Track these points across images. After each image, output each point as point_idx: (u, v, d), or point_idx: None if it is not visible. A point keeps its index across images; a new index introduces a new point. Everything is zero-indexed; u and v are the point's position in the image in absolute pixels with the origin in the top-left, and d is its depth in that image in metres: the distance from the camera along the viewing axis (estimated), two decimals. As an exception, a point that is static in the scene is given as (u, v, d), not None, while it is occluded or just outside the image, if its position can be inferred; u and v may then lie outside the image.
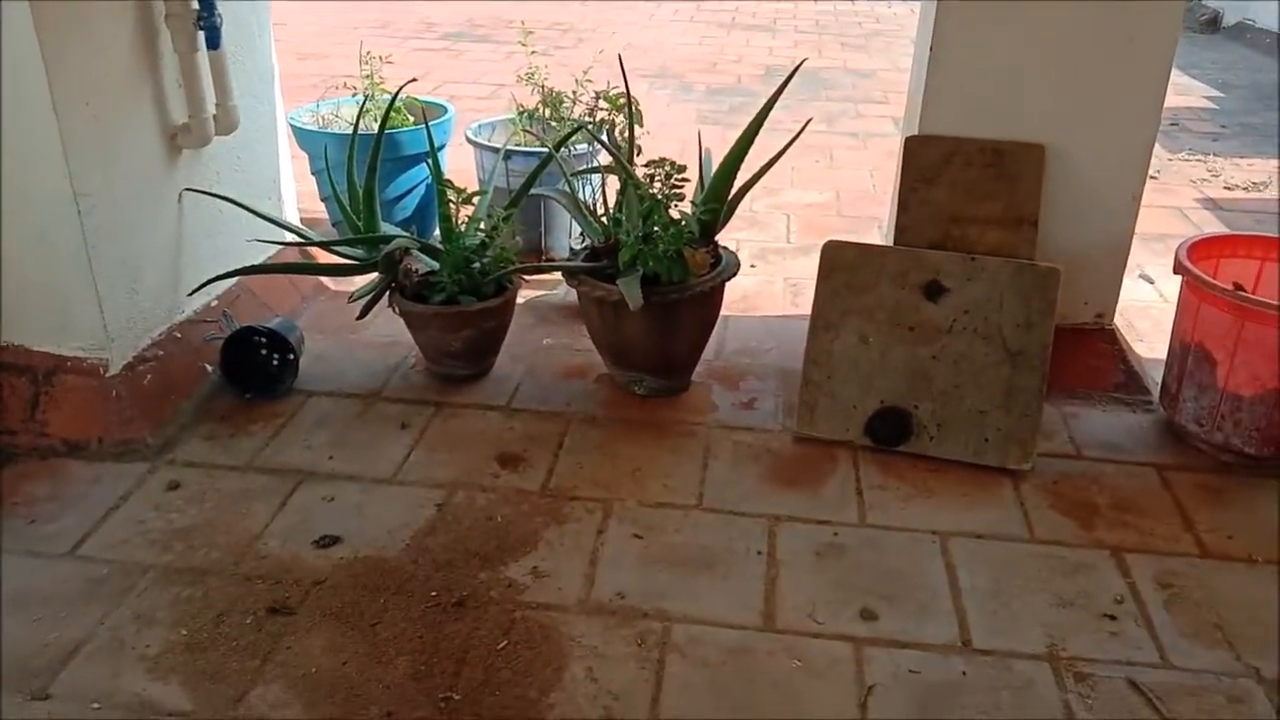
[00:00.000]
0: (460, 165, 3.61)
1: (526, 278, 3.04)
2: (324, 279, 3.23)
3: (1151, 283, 3.51)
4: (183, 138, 2.60)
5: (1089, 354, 2.77)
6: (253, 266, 2.81)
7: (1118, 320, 2.87)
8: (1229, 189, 4.61)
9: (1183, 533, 2.20)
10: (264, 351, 2.69)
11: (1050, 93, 2.51)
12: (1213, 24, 9.00)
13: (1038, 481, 2.36)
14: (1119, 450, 2.50)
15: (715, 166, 2.70)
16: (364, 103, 3.30)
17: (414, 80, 3.30)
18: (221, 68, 2.62)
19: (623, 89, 2.85)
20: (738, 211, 2.75)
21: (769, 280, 3.48)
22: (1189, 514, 2.26)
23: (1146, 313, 3.26)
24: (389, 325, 2.85)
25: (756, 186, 2.69)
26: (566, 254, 3.39)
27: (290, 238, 2.97)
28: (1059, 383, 2.58)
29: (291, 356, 2.67)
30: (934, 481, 2.35)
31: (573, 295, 3.18)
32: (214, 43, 2.56)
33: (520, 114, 3.44)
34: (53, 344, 2.46)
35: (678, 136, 4.95)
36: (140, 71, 2.46)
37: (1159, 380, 2.67)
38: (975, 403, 2.41)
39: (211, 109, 2.63)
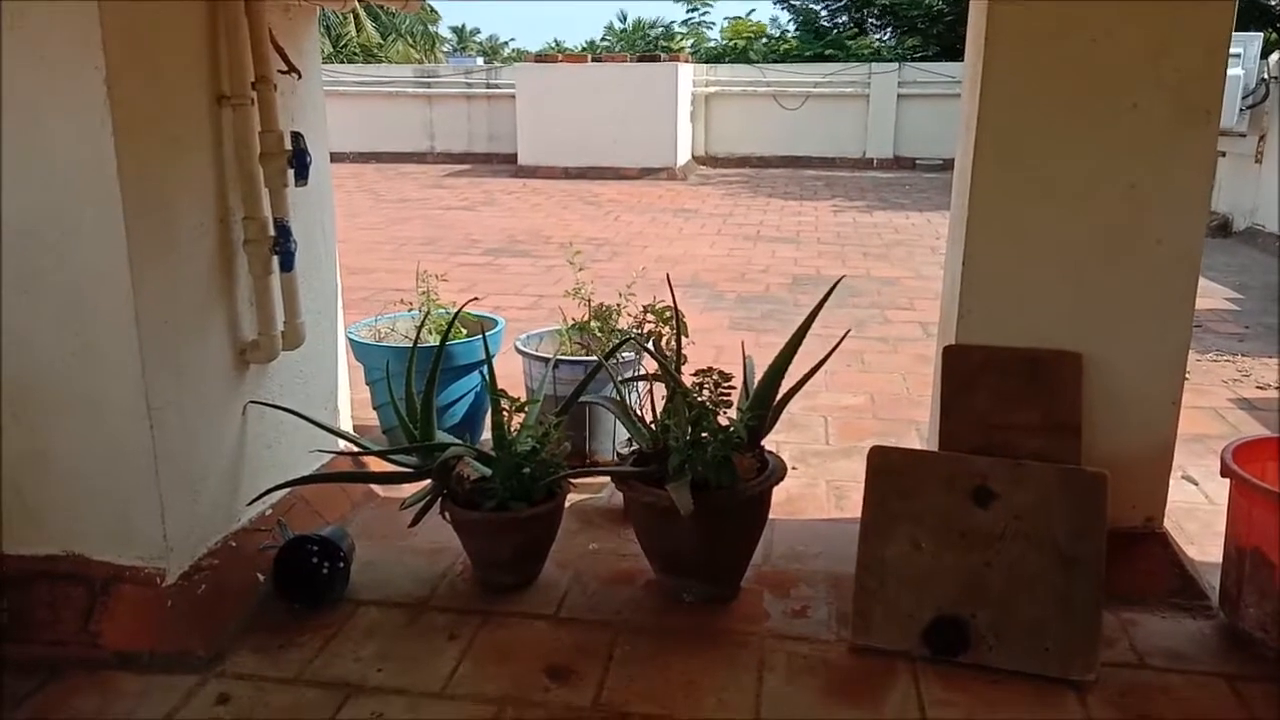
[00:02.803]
0: (506, 373, 3.73)
1: (574, 482, 3.09)
2: (375, 487, 3.29)
3: (1195, 484, 3.50)
4: (251, 353, 2.73)
5: (1142, 558, 2.74)
6: (309, 476, 2.89)
7: (1166, 523, 2.85)
8: (1261, 388, 4.65)
9: (1263, 749, 2.10)
10: (315, 560, 2.71)
11: (1083, 300, 2.61)
12: (1224, 229, 9.33)
13: (1103, 694, 2.28)
14: (1184, 659, 2.43)
15: (757, 373, 2.79)
16: (423, 319, 3.47)
17: (474, 300, 3.48)
18: (292, 289, 2.79)
19: (666, 301, 3.00)
20: (778, 416, 2.81)
21: (811, 483, 3.51)
22: (1267, 729, 2.17)
23: (1194, 514, 3.24)
24: (437, 532, 2.87)
25: (788, 401, 2.76)
26: (610, 458, 3.45)
27: (345, 445, 3.05)
28: (1115, 588, 2.53)
29: (342, 565, 2.69)
30: (996, 694, 2.28)
31: (617, 499, 3.23)
32: (287, 266, 2.74)
33: (571, 326, 3.59)
34: (112, 553, 2.50)
35: (712, 343, 5.12)
36: (217, 291, 2.62)
37: (1215, 584, 2.62)
38: (1033, 611, 2.37)
39: (280, 326, 2.78)
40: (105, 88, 2.18)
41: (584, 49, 23.98)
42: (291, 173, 2.74)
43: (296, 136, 2.75)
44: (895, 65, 16.20)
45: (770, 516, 2.79)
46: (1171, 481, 2.87)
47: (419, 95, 17.13)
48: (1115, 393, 2.63)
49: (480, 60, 26.57)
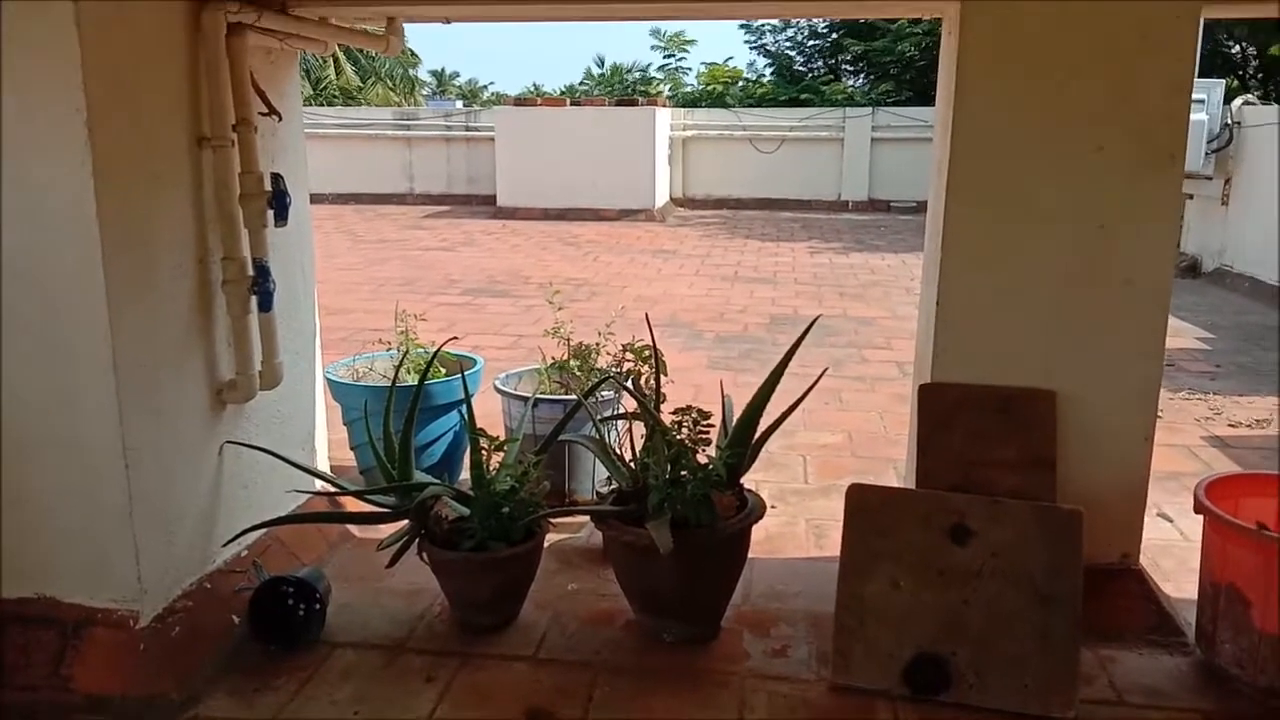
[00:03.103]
0: (485, 412, 3.73)
1: (553, 522, 3.08)
2: (351, 528, 3.27)
3: (1170, 521, 3.53)
4: (228, 393, 2.72)
5: (1119, 595, 2.75)
6: (286, 516, 2.86)
7: (1142, 559, 2.87)
8: (1233, 426, 4.72)
9: (1243, 786, 2.11)
10: (291, 601, 2.68)
11: (1055, 339, 2.65)
12: (1193, 269, 9.50)
13: (1084, 731, 2.29)
14: (1162, 695, 2.43)
15: (736, 412, 2.81)
16: (401, 359, 3.47)
17: (454, 339, 3.48)
18: (270, 329, 2.79)
19: (645, 340, 3.02)
20: (756, 454, 2.82)
21: (790, 521, 3.51)
22: (1246, 765, 2.17)
23: (1170, 551, 3.26)
24: (415, 573, 2.85)
25: (766, 439, 2.77)
26: (590, 498, 3.45)
27: (322, 485, 3.03)
28: (1092, 625, 2.54)
29: (318, 606, 2.66)
30: (977, 732, 2.28)
31: (596, 539, 3.21)
32: (266, 306, 2.74)
33: (551, 365, 3.60)
34: (85, 595, 2.46)
35: (691, 381, 5.14)
36: (195, 331, 2.62)
37: (1192, 620, 2.64)
38: (1012, 648, 2.38)
39: (258, 366, 2.78)
40: (85, 129, 2.20)
41: (563, 93, 24.22)
42: (271, 214, 2.74)
43: (276, 178, 2.76)
44: (869, 110, 16.48)
45: (750, 555, 2.79)
46: (1147, 518, 2.90)
47: (398, 138, 17.22)
48: (1089, 430, 2.66)
49: (459, 104, 26.77)
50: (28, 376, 2.34)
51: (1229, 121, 9.26)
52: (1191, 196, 9.69)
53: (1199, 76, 2.59)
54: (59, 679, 2.39)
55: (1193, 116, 2.75)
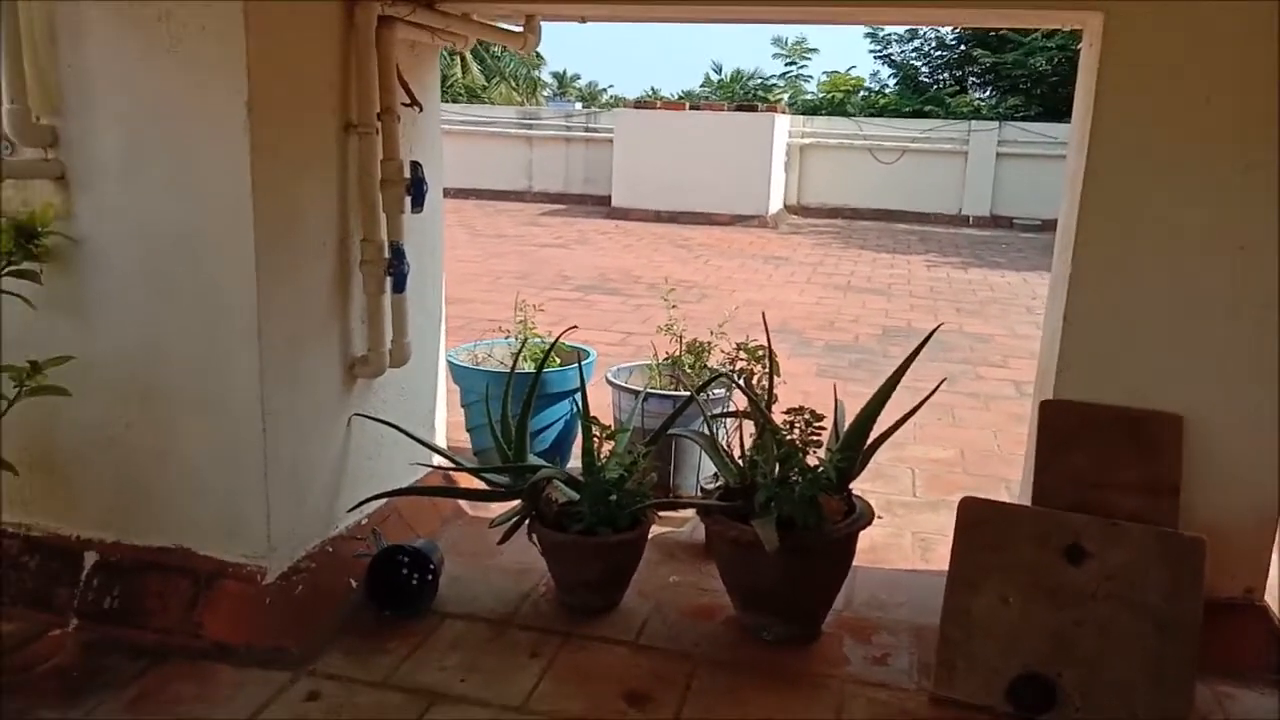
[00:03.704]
0: (595, 405, 3.80)
1: (659, 514, 3.12)
2: (463, 505, 3.38)
3: (1301, 561, 3.36)
4: (360, 368, 2.86)
5: (1240, 631, 2.65)
6: (407, 488, 2.99)
7: (1269, 599, 2.75)
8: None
9: (1368, 838, 2.01)
10: (406, 570, 2.79)
11: (1186, 361, 2.56)
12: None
13: (1196, 767, 2.21)
14: (1283, 739, 2.34)
15: (847, 419, 2.80)
16: (520, 347, 3.57)
17: (574, 328, 3.57)
18: (402, 309, 2.92)
19: (758, 341, 3.04)
20: (864, 464, 2.81)
21: (897, 533, 3.48)
22: (1373, 817, 2.07)
23: (1300, 591, 3.11)
24: (523, 553, 2.94)
25: (879, 445, 2.76)
26: (694, 493, 3.49)
27: (440, 461, 3.15)
28: (1211, 660, 2.46)
29: (431, 577, 2.77)
30: (1081, 757, 2.23)
31: (699, 534, 3.25)
32: (399, 287, 2.87)
33: (665, 360, 3.66)
34: (218, 549, 2.62)
35: (799, 389, 5.11)
36: (333, 307, 2.76)
37: (1321, 665, 2.52)
38: (1122, 674, 2.31)
39: (389, 344, 2.91)
40: (246, 110, 2.34)
41: (681, 98, 24.30)
42: (408, 200, 2.87)
43: (415, 166, 2.89)
44: (996, 124, 16.06)
45: (854, 563, 2.78)
46: (1278, 557, 2.78)
47: (520, 136, 17.59)
48: (1217, 457, 2.57)
49: (579, 105, 27.14)
50: (181, 340, 2.51)
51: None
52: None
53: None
54: (191, 625, 2.55)
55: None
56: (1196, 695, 2.34)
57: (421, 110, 3.08)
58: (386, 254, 2.83)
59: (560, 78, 32.56)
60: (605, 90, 32.15)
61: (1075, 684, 2.33)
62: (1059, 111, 15.84)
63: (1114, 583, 2.38)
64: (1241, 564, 2.65)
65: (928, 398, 2.79)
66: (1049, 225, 2.97)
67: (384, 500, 2.98)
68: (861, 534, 2.71)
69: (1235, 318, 2.52)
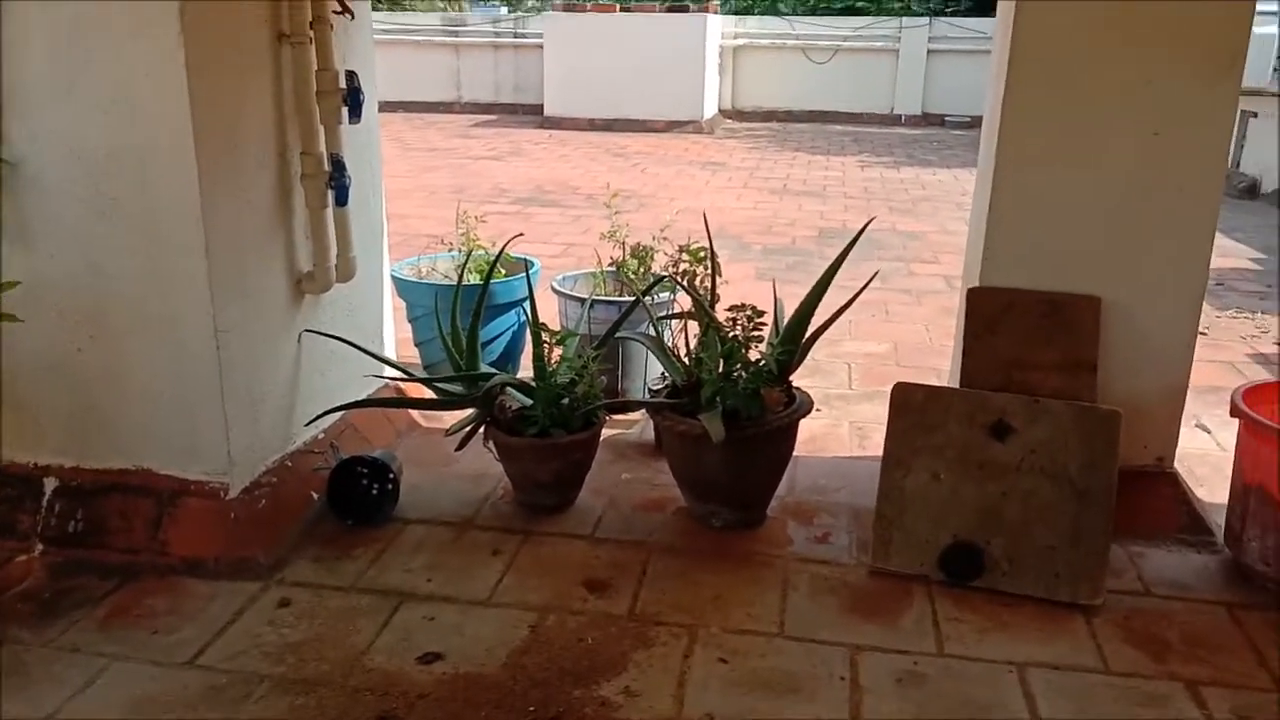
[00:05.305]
0: (541, 314, 3.86)
1: (610, 417, 3.23)
2: (417, 416, 3.45)
3: (1209, 432, 3.61)
4: (307, 284, 2.88)
5: (1151, 496, 2.86)
6: (362, 401, 3.04)
7: (1177, 466, 2.97)
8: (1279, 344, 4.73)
9: (1257, 668, 2.24)
10: (365, 481, 2.87)
11: (1103, 244, 2.70)
12: (1252, 191, 9.30)
13: (1109, 617, 2.42)
14: (1187, 589, 2.56)
15: (787, 315, 2.91)
16: (465, 259, 3.60)
17: (520, 235, 3.60)
18: (345, 223, 2.92)
19: (699, 243, 3.12)
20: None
21: (835, 424, 3.64)
22: (1262, 650, 2.30)
23: (1206, 460, 3.35)
24: (477, 460, 3.03)
25: (817, 338, 2.88)
26: (642, 396, 3.59)
27: (393, 374, 3.20)
28: (1125, 524, 2.66)
29: (391, 486, 2.85)
30: (1008, 615, 2.43)
31: (649, 434, 3.37)
32: (342, 200, 2.87)
33: (609, 267, 3.72)
34: (178, 468, 2.67)
35: (739, 293, 5.20)
36: (276, 223, 2.76)
37: (1222, 523, 2.75)
38: (1045, 539, 2.51)
39: (334, 259, 2.92)
40: (178, 20, 2.30)
41: (612, -1, 23.69)
42: (346, 110, 2.85)
43: (351, 75, 2.87)
44: (926, 20, 16.02)
45: (795, 453, 2.93)
46: (1185, 429, 2.98)
47: (446, 44, 17.08)
48: (1132, 335, 2.74)
49: (505, 10, 26.34)
50: (128, 260, 2.51)
51: (1301, 36, 8.94)
52: (1255, 114, 9.42)
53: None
54: (157, 543, 2.61)
55: (1261, 29, 2.74)
56: (1111, 555, 2.54)
57: (354, 18, 3.03)
58: (327, 166, 2.82)
59: (485, -19, 31.47)
60: (532, -7, 31.20)
61: (1002, 550, 2.52)
62: (987, 6, 15.83)
63: (1036, 456, 2.55)
64: (1153, 435, 2.85)
65: (862, 289, 2.91)
66: (979, 122, 3.06)
67: (339, 415, 3.03)
68: (802, 425, 2.85)
69: (1150, 201, 2.66)
